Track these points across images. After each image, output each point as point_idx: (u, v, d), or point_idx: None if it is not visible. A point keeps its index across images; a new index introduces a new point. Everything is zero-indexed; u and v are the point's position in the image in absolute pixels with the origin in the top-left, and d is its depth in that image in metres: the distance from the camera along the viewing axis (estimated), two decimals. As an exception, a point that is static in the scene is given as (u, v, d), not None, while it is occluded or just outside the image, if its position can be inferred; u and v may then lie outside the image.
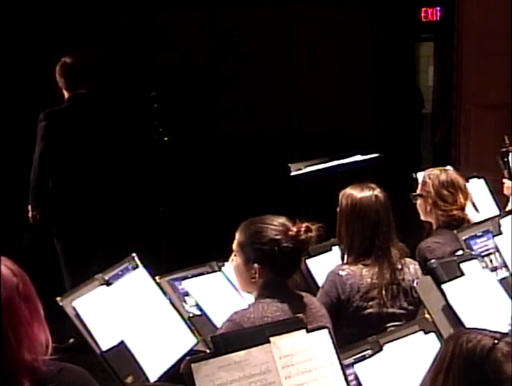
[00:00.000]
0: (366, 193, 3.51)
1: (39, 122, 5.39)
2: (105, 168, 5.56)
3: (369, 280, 3.39)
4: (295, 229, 2.87)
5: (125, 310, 3.04)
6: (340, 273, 3.41)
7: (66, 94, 5.50)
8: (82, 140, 5.44)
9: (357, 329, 3.29)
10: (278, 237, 2.86)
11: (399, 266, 3.47)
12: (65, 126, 5.41)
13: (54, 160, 5.40)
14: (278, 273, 2.89)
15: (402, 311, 3.43)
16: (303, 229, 2.87)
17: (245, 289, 3.04)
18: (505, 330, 2.65)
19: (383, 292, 3.39)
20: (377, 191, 3.53)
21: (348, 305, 3.37)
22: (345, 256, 3.54)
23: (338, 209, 3.56)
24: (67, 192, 5.46)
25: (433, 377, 1.92)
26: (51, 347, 1.91)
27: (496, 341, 1.89)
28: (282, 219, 2.92)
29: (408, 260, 3.56)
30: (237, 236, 2.95)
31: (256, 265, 2.87)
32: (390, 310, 3.40)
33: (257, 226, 2.91)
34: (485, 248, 3.41)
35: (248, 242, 2.90)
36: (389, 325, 3.36)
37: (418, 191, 4.13)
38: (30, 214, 5.50)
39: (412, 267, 3.54)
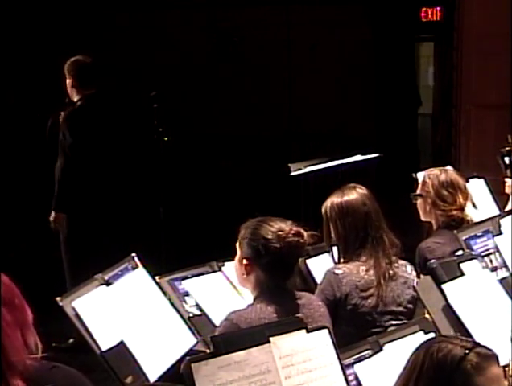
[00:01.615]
0: (348, 192, 3.56)
1: (64, 121, 5.42)
2: (114, 169, 5.60)
3: (366, 276, 3.40)
4: (286, 231, 2.89)
5: (124, 310, 3.04)
6: (336, 271, 3.41)
7: (76, 94, 5.51)
8: (95, 140, 5.48)
9: (356, 328, 3.29)
10: (268, 237, 2.90)
11: (393, 258, 3.48)
12: (84, 126, 5.45)
13: (84, 156, 5.45)
14: (269, 274, 2.91)
15: (400, 309, 3.43)
16: (292, 232, 2.89)
17: (241, 284, 3.10)
18: (507, 337, 2.66)
19: (381, 282, 3.38)
20: (358, 188, 3.59)
21: (345, 302, 3.37)
22: (341, 259, 3.53)
23: (324, 218, 3.56)
24: (82, 192, 5.49)
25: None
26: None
27: (466, 351, 1.87)
28: (283, 223, 2.94)
29: (404, 262, 3.57)
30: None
31: (244, 261, 2.93)
32: (389, 308, 3.40)
33: (257, 224, 2.96)
34: (485, 248, 3.40)
35: (243, 237, 2.97)
36: (388, 323, 3.37)
37: (418, 191, 4.13)
38: (52, 217, 5.53)
39: (409, 267, 3.55)
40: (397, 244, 3.54)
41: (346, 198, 3.53)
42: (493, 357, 1.92)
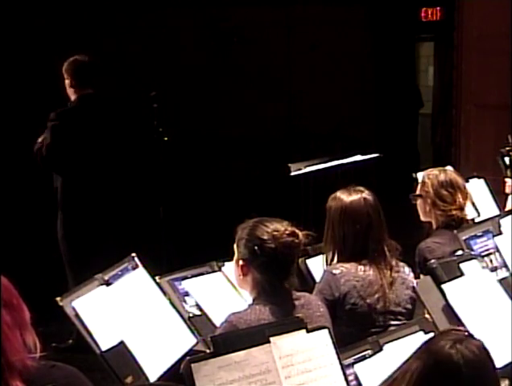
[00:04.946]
0: (355, 196, 3.50)
1: (49, 121, 5.41)
2: (112, 169, 5.58)
3: (364, 276, 3.39)
4: (281, 231, 2.89)
5: (124, 310, 3.04)
6: (334, 271, 3.40)
7: (73, 94, 5.50)
8: (90, 141, 5.46)
9: (355, 327, 3.29)
10: (264, 237, 2.90)
11: (394, 262, 3.47)
12: (74, 126, 5.43)
13: (61, 159, 5.42)
14: (265, 274, 2.90)
15: (399, 309, 3.42)
16: (287, 232, 2.89)
17: (239, 285, 3.10)
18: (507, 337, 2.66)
19: (386, 290, 3.38)
20: (366, 194, 3.52)
21: (344, 302, 3.36)
22: (335, 259, 3.51)
23: (328, 214, 3.54)
24: (74, 193, 5.47)
25: None
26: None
27: (465, 345, 1.89)
28: (279, 224, 2.94)
29: (402, 263, 3.56)
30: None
31: (241, 262, 2.93)
32: (388, 308, 3.40)
33: (253, 224, 2.96)
34: (485, 248, 3.41)
35: (240, 238, 2.96)
36: (388, 323, 3.37)
37: (417, 192, 4.13)
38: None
39: (407, 269, 3.54)
40: (397, 248, 3.53)
41: (351, 202, 3.47)
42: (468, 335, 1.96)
